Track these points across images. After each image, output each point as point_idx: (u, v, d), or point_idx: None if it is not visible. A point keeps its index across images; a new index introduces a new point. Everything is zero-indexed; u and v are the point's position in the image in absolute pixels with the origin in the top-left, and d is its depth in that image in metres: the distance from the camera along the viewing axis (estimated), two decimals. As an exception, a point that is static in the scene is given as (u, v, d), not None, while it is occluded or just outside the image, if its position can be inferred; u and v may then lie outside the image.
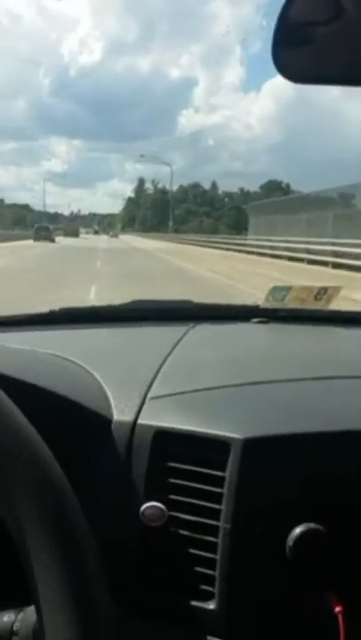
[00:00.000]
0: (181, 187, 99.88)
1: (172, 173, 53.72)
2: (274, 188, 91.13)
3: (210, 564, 0.61)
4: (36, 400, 0.63)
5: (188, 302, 1.28)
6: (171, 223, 57.71)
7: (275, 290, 1.21)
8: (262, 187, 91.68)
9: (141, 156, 58.32)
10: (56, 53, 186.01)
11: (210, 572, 0.61)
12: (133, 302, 1.25)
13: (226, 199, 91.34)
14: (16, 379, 0.66)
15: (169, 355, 0.89)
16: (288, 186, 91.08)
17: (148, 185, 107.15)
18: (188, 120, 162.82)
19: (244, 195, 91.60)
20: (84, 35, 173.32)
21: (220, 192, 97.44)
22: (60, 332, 1.10)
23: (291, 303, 1.21)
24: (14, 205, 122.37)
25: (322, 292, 1.21)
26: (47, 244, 33.89)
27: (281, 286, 1.21)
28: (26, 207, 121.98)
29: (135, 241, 47.58)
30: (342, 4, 0.49)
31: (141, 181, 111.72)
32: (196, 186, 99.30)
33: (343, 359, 0.97)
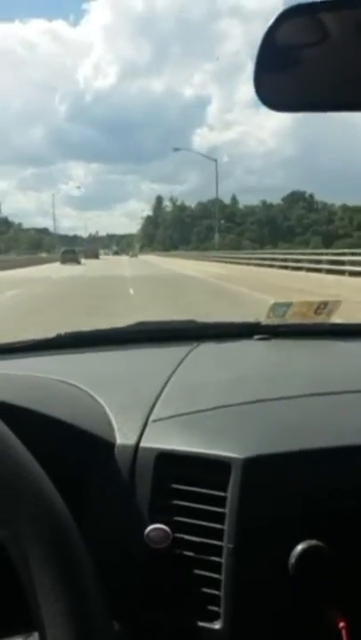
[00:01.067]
0: (200, 203, 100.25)
1: (217, 171, 48.75)
2: (297, 199, 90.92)
3: (215, 584, 0.63)
4: (39, 427, 0.69)
5: (192, 322, 1.33)
6: (217, 237, 50.11)
7: (276, 306, 1.26)
8: (285, 199, 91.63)
9: (175, 149, 56.47)
10: (71, 79, 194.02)
11: (215, 592, 0.63)
12: (137, 324, 1.30)
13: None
14: (20, 406, 0.70)
15: (172, 376, 0.93)
16: (312, 196, 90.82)
17: (167, 203, 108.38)
18: (202, 138, 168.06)
19: (267, 208, 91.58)
20: (98, 59, 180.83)
21: (240, 206, 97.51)
22: (64, 357, 1.15)
23: (292, 319, 1.25)
24: (32, 229, 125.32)
25: (322, 307, 1.25)
26: (40, 273, 25.71)
27: (281, 302, 1.26)
28: (44, 231, 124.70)
29: (165, 262, 40.14)
30: (326, 29, 0.51)
31: (159, 199, 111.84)
32: (217, 201, 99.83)
33: (344, 374, 1.00)
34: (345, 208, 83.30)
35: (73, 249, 49.91)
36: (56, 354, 1.16)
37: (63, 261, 42.00)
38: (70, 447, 0.71)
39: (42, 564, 0.44)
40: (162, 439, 0.71)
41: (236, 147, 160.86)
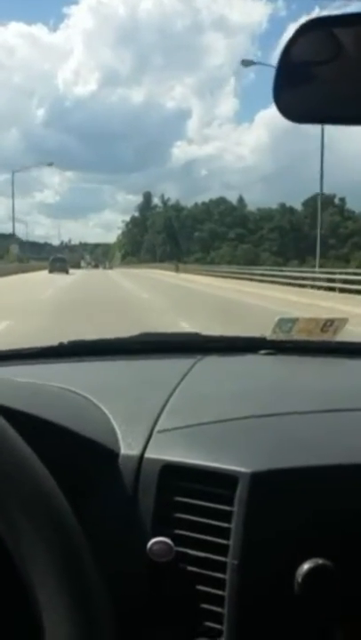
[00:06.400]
0: (197, 204, 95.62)
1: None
2: (325, 204, 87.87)
3: (218, 600, 0.71)
4: (43, 434, 0.75)
5: (196, 335, 1.54)
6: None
7: (281, 322, 1.48)
8: (305, 203, 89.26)
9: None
10: (49, 85, 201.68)
11: (218, 609, 0.71)
12: (141, 335, 1.50)
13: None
14: (23, 412, 0.78)
15: (176, 387, 1.06)
16: (344, 200, 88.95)
17: (156, 201, 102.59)
18: (181, 151, 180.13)
19: (287, 212, 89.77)
20: (78, 66, 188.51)
21: (253, 209, 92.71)
22: (68, 365, 1.34)
23: (297, 335, 1.48)
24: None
25: (328, 324, 1.51)
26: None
27: (287, 318, 1.49)
28: (11, 237, 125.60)
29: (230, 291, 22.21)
30: (343, 42, 0.60)
31: (148, 197, 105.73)
32: (221, 201, 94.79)
33: (351, 391, 1.15)
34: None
35: (63, 257, 53.84)
36: (60, 362, 1.36)
37: (51, 270, 44.78)
38: (73, 455, 0.80)
39: (43, 563, 0.50)
40: (167, 450, 0.81)
41: (216, 161, 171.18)
